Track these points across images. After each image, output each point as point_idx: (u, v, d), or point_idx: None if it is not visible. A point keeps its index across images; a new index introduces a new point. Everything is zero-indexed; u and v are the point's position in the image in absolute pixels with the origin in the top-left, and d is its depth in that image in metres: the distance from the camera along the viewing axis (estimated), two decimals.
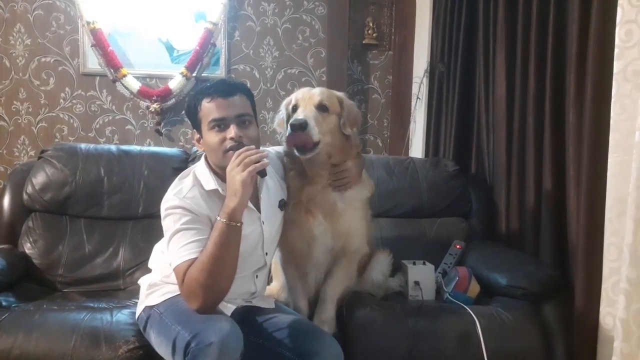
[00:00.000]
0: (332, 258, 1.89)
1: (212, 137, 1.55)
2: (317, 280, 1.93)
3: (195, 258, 1.46)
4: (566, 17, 2.03)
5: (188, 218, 1.51)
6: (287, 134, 1.70)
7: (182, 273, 1.46)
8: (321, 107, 1.75)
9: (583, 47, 1.86)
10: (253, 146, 1.51)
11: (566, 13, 2.03)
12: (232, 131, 1.53)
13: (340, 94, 1.85)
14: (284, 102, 1.86)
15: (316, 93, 1.77)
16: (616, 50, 1.65)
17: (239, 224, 1.46)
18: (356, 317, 1.80)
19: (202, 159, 1.65)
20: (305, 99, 1.75)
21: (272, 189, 1.71)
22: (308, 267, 1.90)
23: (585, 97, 1.84)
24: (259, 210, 1.64)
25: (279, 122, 1.86)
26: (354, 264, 1.95)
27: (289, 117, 1.79)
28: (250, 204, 1.56)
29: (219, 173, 1.59)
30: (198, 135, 1.63)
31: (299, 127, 1.65)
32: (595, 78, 1.79)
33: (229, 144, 1.53)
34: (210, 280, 1.43)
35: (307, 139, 1.67)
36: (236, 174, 1.44)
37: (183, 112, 3.12)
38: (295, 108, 1.77)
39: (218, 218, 1.47)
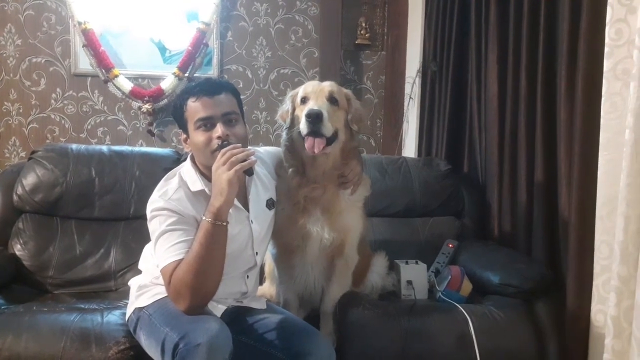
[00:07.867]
0: (327, 258, 1.89)
1: (198, 136, 1.54)
2: (310, 278, 1.93)
3: (182, 259, 1.44)
4: (557, 16, 2.04)
5: (174, 219, 1.49)
6: (305, 128, 1.68)
7: (169, 274, 1.45)
8: (332, 100, 1.75)
9: (574, 46, 1.87)
10: (239, 144, 1.50)
11: (557, 12, 2.04)
12: (218, 130, 1.52)
13: (348, 91, 1.86)
14: (289, 95, 1.85)
15: (326, 85, 1.78)
16: (606, 49, 1.66)
17: (224, 223, 1.45)
18: (349, 316, 1.79)
19: (189, 159, 1.63)
20: (316, 92, 1.75)
21: (260, 189, 1.70)
22: (302, 262, 1.89)
23: (576, 95, 1.84)
24: (247, 209, 1.63)
25: (282, 113, 1.85)
26: (349, 274, 1.95)
27: (294, 109, 1.79)
28: (238, 204, 1.55)
29: (206, 173, 1.58)
30: (185, 136, 1.62)
31: (316, 117, 1.65)
32: (585, 76, 1.79)
33: (216, 143, 1.51)
34: (196, 281, 1.41)
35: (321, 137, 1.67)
36: (222, 173, 1.43)
37: None
38: (304, 100, 1.76)
39: (204, 217, 1.45)
